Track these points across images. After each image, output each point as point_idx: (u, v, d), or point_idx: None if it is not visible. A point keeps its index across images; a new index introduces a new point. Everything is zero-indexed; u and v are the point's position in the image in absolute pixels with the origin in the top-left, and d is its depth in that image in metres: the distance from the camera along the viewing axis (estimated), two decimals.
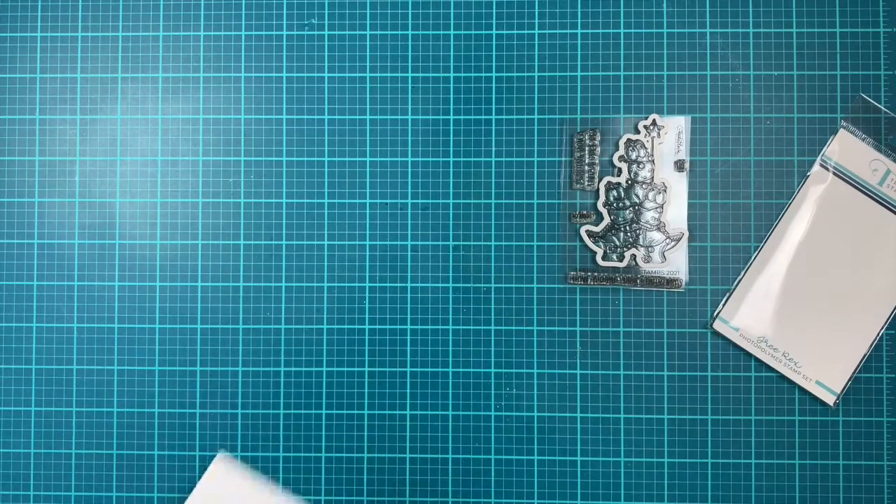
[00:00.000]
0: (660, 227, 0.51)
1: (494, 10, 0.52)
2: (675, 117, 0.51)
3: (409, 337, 0.52)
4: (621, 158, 0.51)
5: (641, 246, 0.51)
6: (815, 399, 0.51)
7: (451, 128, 0.52)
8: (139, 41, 0.52)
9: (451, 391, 0.51)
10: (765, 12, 0.51)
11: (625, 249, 0.51)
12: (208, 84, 0.52)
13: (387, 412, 0.51)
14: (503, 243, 0.51)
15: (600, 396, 0.51)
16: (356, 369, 0.52)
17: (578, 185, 0.51)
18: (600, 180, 0.51)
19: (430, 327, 0.52)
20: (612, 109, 0.51)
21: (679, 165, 0.51)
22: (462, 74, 0.52)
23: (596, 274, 0.51)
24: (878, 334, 0.50)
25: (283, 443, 0.51)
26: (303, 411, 0.51)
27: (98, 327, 0.52)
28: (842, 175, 0.51)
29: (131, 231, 0.52)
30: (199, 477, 0.51)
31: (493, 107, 0.51)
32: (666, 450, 0.51)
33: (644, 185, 0.51)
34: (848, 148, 0.51)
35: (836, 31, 0.51)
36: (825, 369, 0.50)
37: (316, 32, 0.52)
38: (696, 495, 0.51)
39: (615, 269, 0.51)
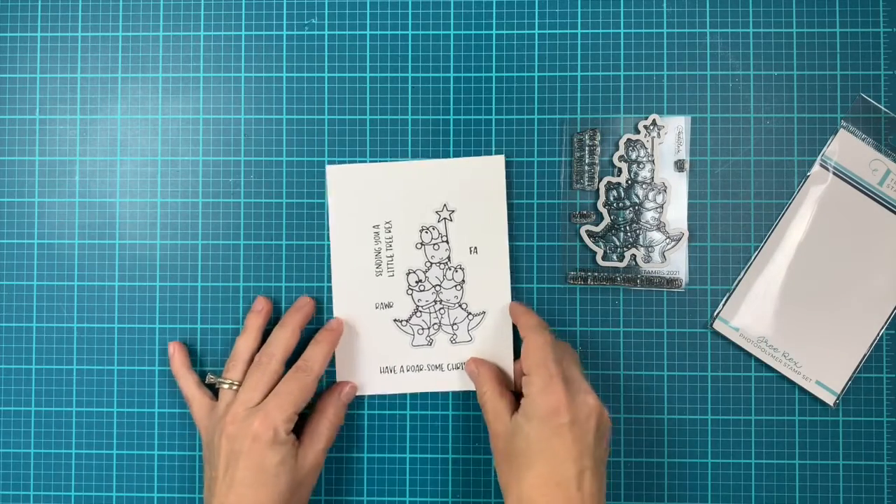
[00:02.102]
0: (660, 227, 0.51)
1: (494, 10, 0.52)
2: (675, 117, 0.51)
3: None
4: (621, 158, 0.51)
5: (641, 246, 0.51)
6: (815, 399, 0.51)
7: (451, 128, 0.52)
8: (139, 41, 0.52)
9: (451, 390, 0.51)
10: (765, 12, 0.51)
11: (625, 249, 0.51)
12: (208, 84, 0.52)
13: (387, 412, 0.51)
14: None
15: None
16: None
17: (578, 185, 0.51)
18: (600, 180, 0.51)
19: None
20: (612, 109, 0.51)
21: (679, 165, 0.51)
22: (462, 74, 0.52)
23: (596, 274, 0.51)
24: (878, 334, 0.50)
25: None
26: (303, 411, 0.51)
27: (98, 327, 0.52)
28: (842, 175, 0.51)
29: (131, 231, 0.52)
30: (200, 472, 0.51)
31: (493, 107, 0.51)
32: (666, 450, 0.51)
33: (644, 185, 0.51)
34: (848, 148, 0.51)
35: (836, 31, 0.51)
36: (825, 369, 0.50)
37: (316, 32, 0.52)
38: (696, 495, 0.51)
39: (615, 269, 0.51)
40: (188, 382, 0.49)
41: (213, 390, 0.50)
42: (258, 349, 0.49)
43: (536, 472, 0.42)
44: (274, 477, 0.44)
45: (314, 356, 0.48)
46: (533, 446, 0.42)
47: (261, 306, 0.50)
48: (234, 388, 0.47)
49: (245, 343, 0.49)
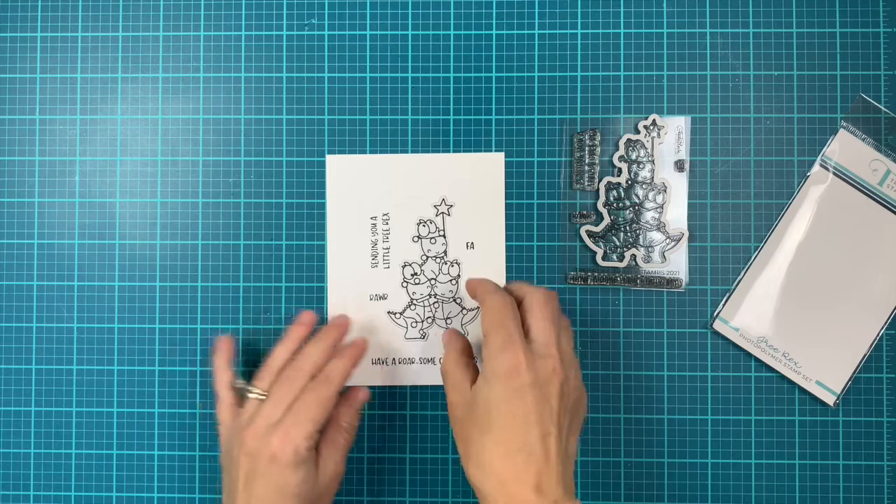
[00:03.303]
0: (660, 227, 0.51)
1: (494, 10, 0.52)
2: (675, 117, 0.51)
3: None
4: (621, 158, 0.51)
5: (641, 246, 0.51)
6: (815, 399, 0.51)
7: (451, 128, 0.52)
8: (139, 41, 0.52)
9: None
10: (765, 12, 0.51)
11: (625, 249, 0.51)
12: (208, 84, 0.52)
13: (387, 412, 0.51)
14: (503, 243, 0.51)
15: (600, 396, 0.51)
16: None
17: (578, 185, 0.51)
18: (600, 180, 0.51)
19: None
20: (612, 109, 0.51)
21: (679, 165, 0.51)
22: (462, 74, 0.52)
23: (596, 274, 0.51)
24: (878, 334, 0.50)
25: None
26: None
27: (98, 327, 0.52)
28: (842, 175, 0.51)
29: (131, 231, 0.52)
30: (200, 472, 0.51)
31: (493, 107, 0.51)
32: (666, 450, 0.51)
33: (644, 185, 0.51)
34: (848, 148, 0.51)
35: (836, 31, 0.51)
36: (825, 369, 0.50)
37: (316, 32, 0.52)
38: (696, 495, 0.51)
39: (615, 269, 0.51)
40: (223, 382, 0.48)
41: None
42: None
43: (496, 436, 0.40)
44: (295, 496, 0.43)
45: (336, 369, 0.46)
46: (493, 410, 0.41)
47: (307, 319, 0.49)
48: (262, 398, 0.46)
49: (283, 354, 0.47)
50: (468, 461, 0.41)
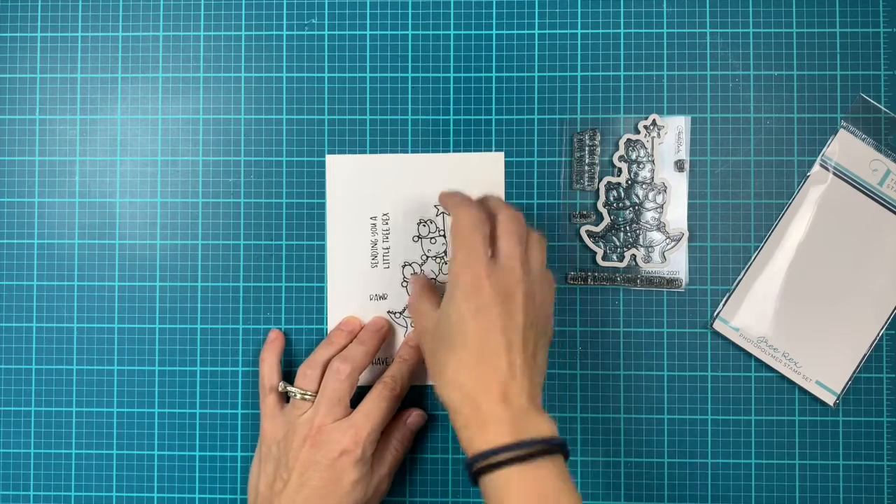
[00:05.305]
0: (660, 227, 0.51)
1: (494, 10, 0.52)
2: (675, 117, 0.51)
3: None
4: (621, 158, 0.51)
5: (641, 246, 0.51)
6: (815, 399, 0.51)
7: (451, 128, 0.52)
8: (139, 41, 0.52)
9: None
10: (765, 12, 0.51)
11: (625, 249, 0.51)
12: (208, 84, 0.52)
13: None
14: None
15: (600, 396, 0.51)
16: None
17: (578, 185, 0.51)
18: (600, 180, 0.51)
19: None
20: (612, 109, 0.51)
21: (679, 165, 0.51)
22: (462, 74, 0.52)
23: (596, 274, 0.51)
24: (878, 334, 0.50)
25: None
26: None
27: (98, 327, 0.52)
28: (842, 175, 0.51)
29: (131, 231, 0.52)
30: (199, 476, 0.51)
31: (493, 107, 0.51)
32: (666, 450, 0.51)
33: (644, 185, 0.51)
34: (848, 148, 0.51)
35: (836, 31, 0.51)
36: (825, 369, 0.50)
37: (316, 32, 0.52)
38: (696, 495, 0.51)
39: (615, 269, 0.51)
40: (274, 378, 0.49)
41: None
42: None
43: (460, 351, 0.40)
44: (347, 494, 0.45)
45: (401, 374, 0.48)
46: (457, 325, 0.41)
47: (351, 327, 0.50)
48: (307, 398, 0.47)
49: (327, 356, 0.48)
50: (437, 379, 0.42)
